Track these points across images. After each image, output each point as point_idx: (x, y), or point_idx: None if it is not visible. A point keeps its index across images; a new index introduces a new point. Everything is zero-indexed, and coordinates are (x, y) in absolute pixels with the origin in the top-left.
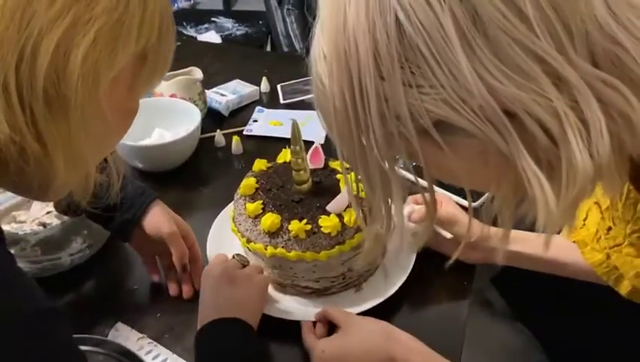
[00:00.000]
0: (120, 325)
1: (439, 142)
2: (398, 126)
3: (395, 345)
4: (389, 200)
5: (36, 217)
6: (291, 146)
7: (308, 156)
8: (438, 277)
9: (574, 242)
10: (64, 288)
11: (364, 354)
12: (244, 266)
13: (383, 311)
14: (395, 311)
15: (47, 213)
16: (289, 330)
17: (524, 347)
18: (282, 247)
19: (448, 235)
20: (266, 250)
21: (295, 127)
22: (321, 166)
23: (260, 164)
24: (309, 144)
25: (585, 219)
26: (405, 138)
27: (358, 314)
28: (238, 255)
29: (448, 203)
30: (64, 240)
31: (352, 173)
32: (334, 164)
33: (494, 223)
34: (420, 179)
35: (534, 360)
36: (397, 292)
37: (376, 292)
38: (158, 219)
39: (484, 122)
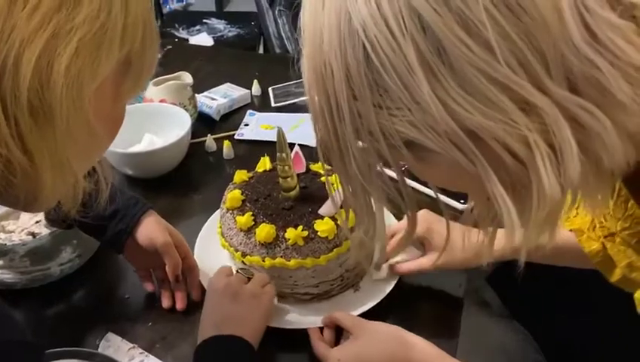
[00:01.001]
0: (111, 335)
1: (410, 160)
2: (372, 142)
3: (412, 351)
4: (371, 209)
5: (25, 227)
6: (277, 153)
7: None
8: (432, 277)
9: (571, 230)
10: (54, 298)
11: (383, 360)
12: (249, 279)
13: (378, 311)
14: (390, 312)
15: (36, 222)
16: (292, 339)
17: (521, 346)
18: (281, 257)
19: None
20: (264, 261)
21: (280, 134)
22: (304, 170)
23: (241, 175)
24: (303, 147)
25: (577, 208)
26: (379, 153)
27: (361, 314)
28: (242, 269)
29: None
30: (53, 250)
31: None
32: (315, 167)
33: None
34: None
35: (530, 359)
36: (392, 292)
37: (374, 290)
38: (152, 229)
39: (451, 146)
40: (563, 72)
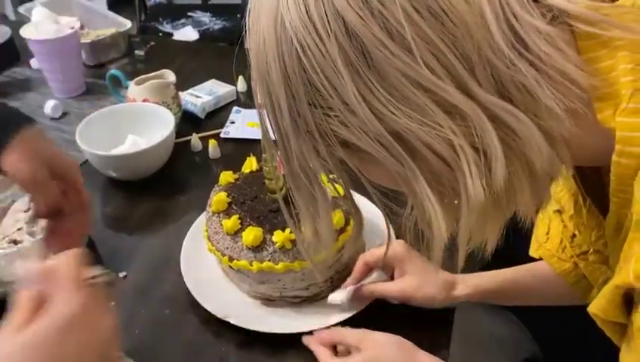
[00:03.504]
0: None
1: (348, 161)
2: (311, 141)
3: None
4: (316, 207)
5: (6, 234)
6: (263, 155)
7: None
8: None
9: (540, 258)
10: None
11: None
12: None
13: (372, 304)
14: (384, 304)
15: (18, 229)
16: (281, 345)
17: (514, 337)
18: (269, 260)
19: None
20: (251, 265)
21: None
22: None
23: (226, 177)
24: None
25: (547, 233)
26: (318, 151)
27: (359, 312)
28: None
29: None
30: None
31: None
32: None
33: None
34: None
35: (524, 350)
36: None
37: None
38: (17, 159)
39: (380, 147)
40: (489, 77)
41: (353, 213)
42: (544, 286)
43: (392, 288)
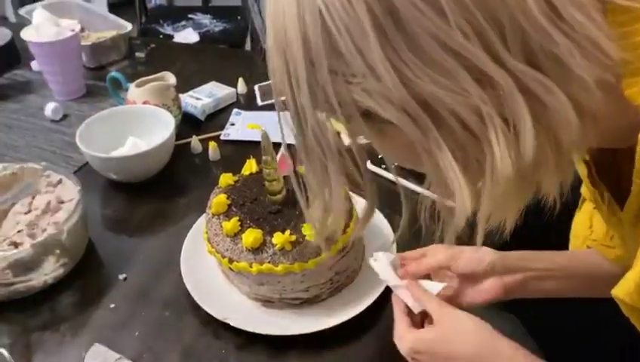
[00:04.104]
0: (97, 346)
1: (366, 131)
2: (329, 111)
3: (494, 356)
4: (329, 182)
5: (7, 236)
6: (263, 157)
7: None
8: None
9: (588, 247)
10: (38, 308)
11: (459, 358)
12: None
13: (372, 307)
14: (383, 306)
15: (18, 231)
16: (282, 347)
17: (512, 334)
18: (269, 262)
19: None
20: (251, 267)
21: (265, 138)
22: (291, 172)
23: (226, 179)
24: (290, 147)
25: (591, 226)
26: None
27: (356, 316)
28: None
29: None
30: (36, 261)
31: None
32: (303, 169)
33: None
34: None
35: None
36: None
37: (367, 290)
38: None
39: (404, 116)
40: (521, 45)
41: (367, 193)
42: (589, 267)
43: (438, 255)
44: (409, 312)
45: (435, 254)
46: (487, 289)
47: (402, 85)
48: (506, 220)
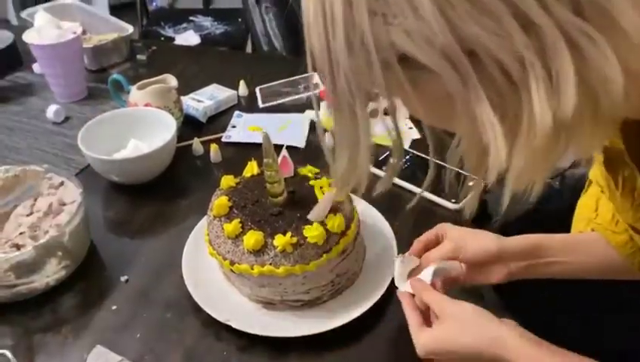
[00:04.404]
0: (99, 348)
1: (402, 78)
2: (364, 55)
3: (503, 348)
4: (357, 131)
5: (9, 238)
6: (264, 159)
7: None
8: None
9: (592, 230)
10: (40, 310)
11: (469, 353)
12: None
13: (373, 308)
14: (384, 308)
15: (21, 233)
16: (283, 349)
17: None
18: (270, 264)
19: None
20: (252, 269)
21: (266, 140)
22: (292, 175)
23: (227, 181)
24: (290, 149)
25: (596, 210)
26: (371, 70)
27: (357, 318)
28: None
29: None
30: (38, 263)
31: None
32: (304, 171)
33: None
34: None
35: None
36: (387, 288)
37: (367, 292)
38: None
39: (444, 61)
40: None
41: (396, 146)
42: (594, 254)
43: (446, 245)
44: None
45: (442, 246)
46: (492, 274)
47: (447, 27)
48: (533, 186)
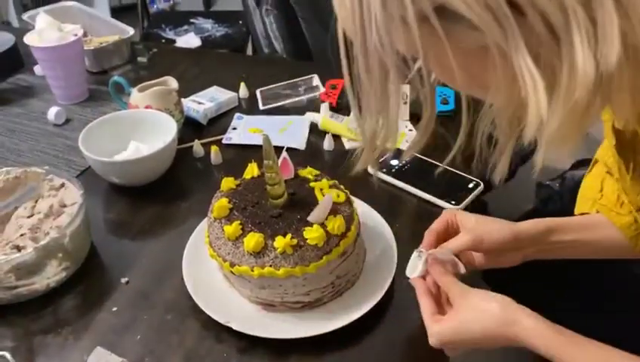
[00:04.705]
0: (99, 349)
1: (438, 30)
2: (399, 8)
3: (516, 328)
4: (386, 91)
5: (10, 240)
6: (264, 161)
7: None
8: None
9: (597, 212)
10: (41, 311)
11: (483, 339)
12: None
13: (373, 310)
14: (387, 310)
15: (21, 235)
16: (283, 350)
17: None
18: (270, 266)
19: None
20: (252, 271)
21: (266, 142)
22: (292, 176)
23: (228, 183)
24: (291, 151)
25: (601, 191)
26: (406, 23)
27: (357, 319)
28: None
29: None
30: (39, 264)
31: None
32: (304, 173)
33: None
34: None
35: (525, 354)
36: (388, 290)
37: (368, 294)
38: None
39: (486, 11)
40: None
41: (428, 105)
42: (601, 236)
43: (462, 236)
44: (435, 297)
45: (460, 238)
46: (507, 259)
47: None
48: (566, 146)
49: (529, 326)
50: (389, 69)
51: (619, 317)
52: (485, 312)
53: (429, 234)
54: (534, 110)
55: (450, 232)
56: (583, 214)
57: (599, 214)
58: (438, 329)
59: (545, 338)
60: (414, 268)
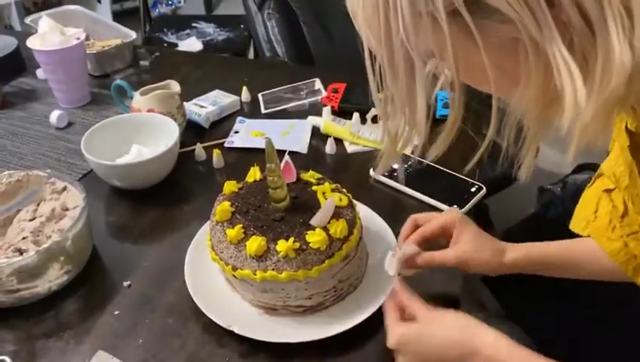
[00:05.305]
0: (101, 353)
1: (469, 24)
2: (428, 4)
3: (477, 340)
4: (413, 86)
5: (12, 243)
6: (267, 164)
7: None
8: (429, 279)
9: (588, 236)
10: (42, 315)
11: (444, 344)
12: None
13: (373, 315)
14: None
15: (23, 238)
16: (285, 354)
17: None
18: (272, 270)
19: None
20: (255, 275)
21: (269, 145)
22: (294, 180)
23: (230, 186)
24: (293, 154)
25: (596, 212)
26: (434, 20)
27: (359, 324)
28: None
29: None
30: (40, 268)
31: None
32: (306, 176)
33: (519, 132)
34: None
35: None
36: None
37: (370, 298)
38: None
39: (520, 3)
40: None
41: (455, 104)
42: (593, 261)
43: (449, 254)
44: (400, 308)
45: (446, 253)
46: (491, 271)
47: None
48: (598, 140)
49: (489, 342)
50: (414, 63)
51: (614, 316)
52: (449, 324)
53: (421, 232)
54: (571, 99)
55: (444, 232)
56: (575, 234)
57: (590, 239)
58: (401, 330)
59: (501, 352)
60: (390, 267)
